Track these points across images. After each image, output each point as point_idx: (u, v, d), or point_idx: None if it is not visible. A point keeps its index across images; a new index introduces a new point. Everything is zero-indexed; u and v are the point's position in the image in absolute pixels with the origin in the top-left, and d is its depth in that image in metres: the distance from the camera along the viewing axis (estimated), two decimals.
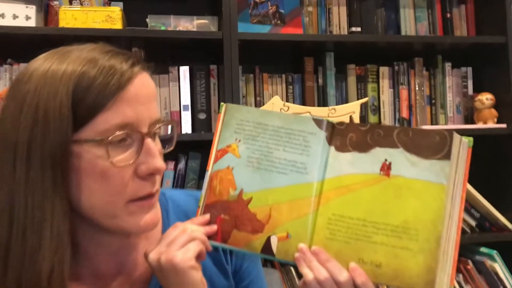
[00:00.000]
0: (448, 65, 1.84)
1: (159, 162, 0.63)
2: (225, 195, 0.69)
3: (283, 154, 0.67)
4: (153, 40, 1.55)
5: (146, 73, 0.65)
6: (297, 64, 1.78)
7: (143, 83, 0.63)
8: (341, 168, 0.66)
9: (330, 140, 0.67)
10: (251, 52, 1.61)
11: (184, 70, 1.61)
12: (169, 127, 0.70)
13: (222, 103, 0.75)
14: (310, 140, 0.67)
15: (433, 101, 1.84)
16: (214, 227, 0.68)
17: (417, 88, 1.83)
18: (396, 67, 1.82)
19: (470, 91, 1.87)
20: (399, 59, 1.81)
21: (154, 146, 0.62)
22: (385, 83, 1.81)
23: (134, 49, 1.58)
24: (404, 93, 1.81)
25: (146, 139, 0.63)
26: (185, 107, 1.60)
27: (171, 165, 1.60)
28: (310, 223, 0.65)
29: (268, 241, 0.67)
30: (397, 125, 1.82)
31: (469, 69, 1.86)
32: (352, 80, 1.81)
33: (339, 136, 0.67)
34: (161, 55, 1.62)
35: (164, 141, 0.69)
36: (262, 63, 1.73)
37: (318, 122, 0.69)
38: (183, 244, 0.63)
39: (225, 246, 0.69)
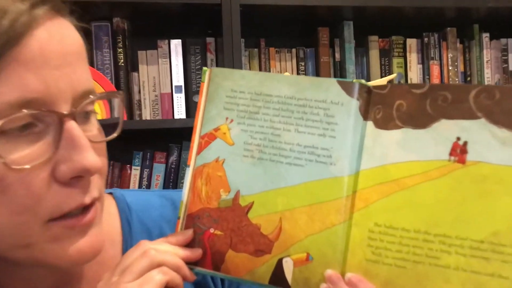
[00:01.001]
0: (485, 36, 1.72)
1: (88, 158, 0.43)
2: (214, 199, 0.52)
3: (296, 137, 0.50)
4: (139, 8, 1.42)
5: (62, 19, 0.45)
6: (309, 36, 1.67)
7: (53, 34, 0.43)
8: (385, 153, 0.47)
9: (366, 113, 0.49)
10: (255, 22, 1.50)
11: (176, 44, 1.48)
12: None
13: (204, 68, 0.54)
14: (335, 113, 0.49)
15: (468, 78, 1.72)
16: (198, 252, 0.51)
17: (450, 63, 1.71)
18: (425, 39, 1.70)
19: (511, 66, 1.73)
20: (429, 29, 1.69)
21: (81, 133, 0.44)
22: (413, 58, 1.69)
23: (116, 19, 1.43)
24: (435, 69, 1.69)
25: (67, 123, 0.43)
26: (178, 89, 1.46)
27: (162, 157, 1.47)
28: (341, 238, 0.48)
29: (279, 266, 0.49)
30: None
31: (510, 41, 1.74)
32: (374, 54, 1.68)
33: (381, 106, 0.48)
34: (149, 26, 1.51)
35: (110, 126, 0.48)
36: (268, 35, 1.62)
37: (346, 86, 0.49)
38: (140, 272, 0.46)
39: (218, 275, 0.52)
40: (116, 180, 1.46)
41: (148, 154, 1.48)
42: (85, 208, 0.45)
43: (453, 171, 0.45)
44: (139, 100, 1.45)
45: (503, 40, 1.75)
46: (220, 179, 0.53)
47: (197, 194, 0.53)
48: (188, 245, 0.51)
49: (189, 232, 0.52)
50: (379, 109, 0.48)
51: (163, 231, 0.57)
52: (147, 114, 1.42)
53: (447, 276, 0.44)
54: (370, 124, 0.49)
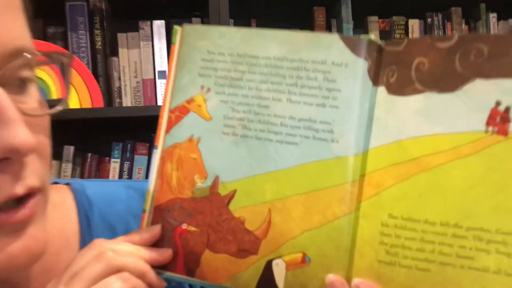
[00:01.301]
0: (493, 17, 1.65)
1: (17, 134, 0.35)
2: (188, 188, 0.43)
3: (288, 108, 0.42)
4: None
5: None
6: (304, 16, 1.58)
7: None
8: (402, 126, 0.38)
9: (376, 76, 0.40)
10: (245, 1, 1.44)
11: (159, 26, 1.40)
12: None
13: (175, 26, 0.45)
14: (337, 77, 0.41)
15: None
16: (167, 253, 0.43)
17: None
18: (428, 20, 1.63)
19: None
20: (433, 9, 1.63)
21: (8, 102, 0.35)
22: None
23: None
24: None
25: None
26: (161, 74, 1.36)
27: (144, 148, 1.38)
28: (346, 234, 0.39)
29: (268, 269, 0.41)
30: None
31: None
32: (374, 36, 1.56)
33: (395, 66, 0.39)
34: (129, 6, 1.43)
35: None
36: (260, 16, 1.55)
37: (351, 43, 0.41)
38: (93, 279, 0.39)
39: (192, 281, 0.44)
40: (94, 174, 1.36)
41: (129, 145, 1.40)
42: (20, 202, 0.37)
43: (492, 145, 0.36)
44: (119, 87, 1.36)
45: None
46: (194, 162, 0.44)
47: (166, 182, 0.44)
48: (156, 244, 0.44)
49: (157, 229, 0.44)
50: (393, 70, 0.39)
51: (131, 228, 0.50)
52: (127, 102, 1.32)
53: (485, 281, 0.35)
54: (381, 90, 0.40)
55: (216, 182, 0.43)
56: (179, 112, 0.44)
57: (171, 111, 0.45)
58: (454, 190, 0.36)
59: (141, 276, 0.40)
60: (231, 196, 0.42)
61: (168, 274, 0.43)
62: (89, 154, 1.38)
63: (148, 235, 0.43)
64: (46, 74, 1.22)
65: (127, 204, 0.52)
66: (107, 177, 1.36)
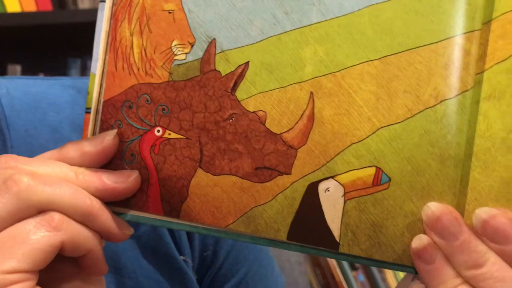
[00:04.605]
0: None
1: None
2: (161, 65, 0.27)
3: None
4: None
5: None
6: None
7: None
8: None
9: None
10: None
11: None
12: None
13: None
14: None
15: None
16: (130, 177, 0.27)
17: None
18: None
19: None
20: None
21: None
22: None
23: None
24: None
25: None
26: None
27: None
28: (458, 129, 0.23)
29: (311, 199, 0.26)
30: None
31: None
32: None
33: None
34: None
35: None
36: None
37: None
38: None
39: (176, 224, 0.28)
40: None
41: (89, 61, 1.19)
42: None
43: None
44: None
45: None
46: (170, 18, 0.28)
47: (122, 57, 0.28)
48: (109, 165, 0.29)
49: (109, 137, 0.28)
50: None
51: (63, 137, 0.38)
52: (84, 4, 1.11)
53: None
54: None
55: (212, 51, 0.26)
56: None
57: None
58: None
59: (85, 218, 0.26)
60: (239, 74, 0.25)
61: (135, 213, 0.27)
62: (41, 75, 1.22)
63: (95, 148, 0.27)
64: None
65: (66, 112, 0.38)
66: None
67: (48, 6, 1.07)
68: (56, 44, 1.21)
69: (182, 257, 0.41)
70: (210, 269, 0.44)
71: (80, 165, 0.27)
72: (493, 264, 0.21)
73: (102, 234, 0.27)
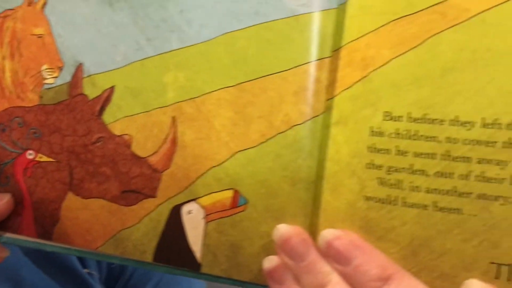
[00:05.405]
0: None
1: None
2: (31, 88, 0.28)
3: None
4: None
5: None
6: None
7: None
8: None
9: None
10: None
11: None
12: None
13: None
14: None
15: None
16: (2, 200, 0.27)
17: None
18: None
19: None
20: None
21: None
22: None
23: None
24: None
25: None
26: None
27: None
28: (309, 152, 0.24)
29: (174, 220, 0.26)
30: None
31: None
32: None
33: None
34: None
35: None
36: None
37: None
38: None
39: (48, 246, 0.28)
40: None
41: None
42: None
43: None
44: None
45: None
46: (40, 43, 0.27)
47: None
48: None
49: None
50: None
51: None
52: None
53: None
54: None
55: (79, 75, 0.26)
56: None
57: None
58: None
59: None
60: (105, 98, 0.26)
61: (8, 236, 0.27)
62: None
63: None
64: None
65: None
66: None
67: None
68: None
69: (86, 270, 0.41)
70: (119, 280, 0.44)
71: None
72: (334, 285, 0.22)
73: None
